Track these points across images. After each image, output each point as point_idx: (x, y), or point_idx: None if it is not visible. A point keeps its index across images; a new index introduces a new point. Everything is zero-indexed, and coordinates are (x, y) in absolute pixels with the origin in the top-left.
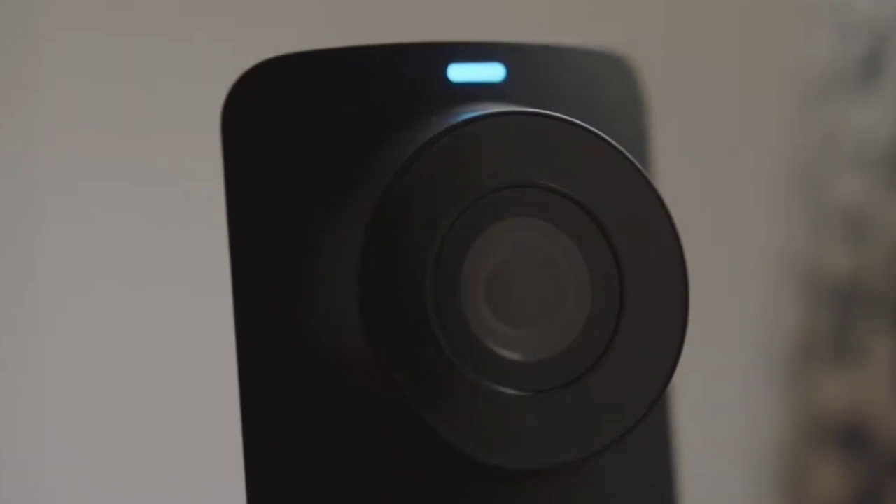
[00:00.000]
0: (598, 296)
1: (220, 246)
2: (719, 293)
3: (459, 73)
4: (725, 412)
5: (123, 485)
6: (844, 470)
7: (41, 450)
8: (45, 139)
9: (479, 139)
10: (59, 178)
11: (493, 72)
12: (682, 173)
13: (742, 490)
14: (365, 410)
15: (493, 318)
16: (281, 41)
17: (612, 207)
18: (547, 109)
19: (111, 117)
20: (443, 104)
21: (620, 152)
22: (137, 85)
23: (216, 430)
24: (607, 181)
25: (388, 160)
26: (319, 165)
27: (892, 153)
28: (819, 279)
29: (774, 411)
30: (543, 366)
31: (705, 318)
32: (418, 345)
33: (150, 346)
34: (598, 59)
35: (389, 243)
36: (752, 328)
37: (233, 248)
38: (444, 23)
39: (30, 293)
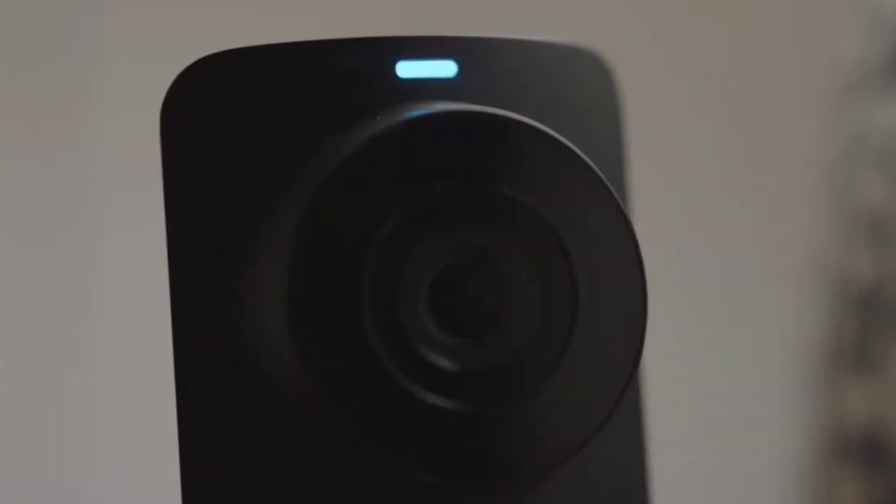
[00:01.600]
0: (549, 305)
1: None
2: (745, 300)
3: (408, 69)
4: (750, 422)
5: None
6: (863, 485)
7: None
8: None
9: (419, 139)
10: None
11: (443, 68)
12: (710, 178)
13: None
14: (301, 424)
15: (435, 327)
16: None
17: (566, 212)
18: (503, 108)
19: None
20: (390, 102)
21: (575, 154)
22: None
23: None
24: (561, 184)
25: (326, 162)
26: (263, 168)
27: None
28: (844, 286)
29: (799, 422)
30: (488, 378)
31: (732, 324)
32: (351, 354)
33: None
34: (567, 55)
35: (322, 250)
36: (779, 336)
37: (171, 254)
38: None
39: None
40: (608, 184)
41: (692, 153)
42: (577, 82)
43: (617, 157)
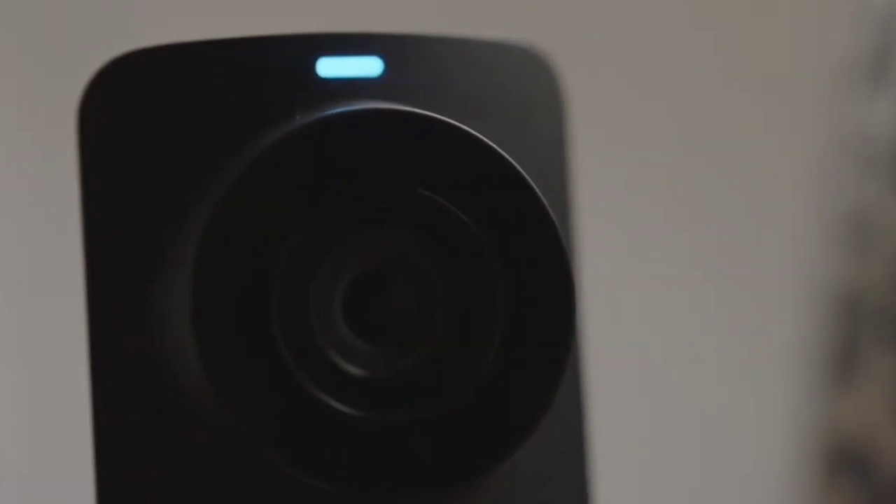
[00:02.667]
0: (470, 311)
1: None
2: (733, 305)
3: (330, 67)
4: (738, 429)
5: None
6: (852, 492)
7: None
8: None
9: (334, 139)
10: None
11: (368, 66)
12: (696, 180)
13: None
14: (209, 434)
15: (347, 332)
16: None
17: (489, 215)
18: (431, 108)
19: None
20: (309, 102)
21: (499, 154)
22: None
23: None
24: (485, 186)
25: (237, 163)
26: (177, 168)
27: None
28: (833, 291)
29: (789, 429)
30: (402, 386)
31: (720, 330)
32: (255, 358)
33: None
34: (504, 53)
35: (230, 252)
36: (767, 342)
37: (87, 259)
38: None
39: None
40: (533, 185)
41: (679, 155)
42: (515, 81)
43: (559, 156)
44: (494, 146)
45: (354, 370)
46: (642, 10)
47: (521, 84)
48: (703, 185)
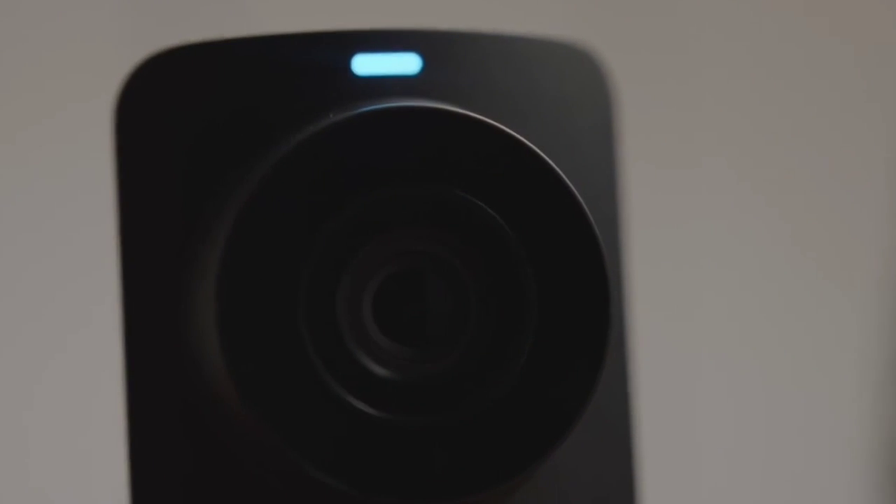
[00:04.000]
0: (503, 311)
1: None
2: (819, 306)
3: (366, 64)
4: (824, 429)
5: None
6: None
7: None
8: None
9: (369, 136)
10: None
11: (405, 63)
12: (779, 181)
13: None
14: (238, 435)
15: (377, 333)
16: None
17: (527, 218)
18: (470, 107)
19: None
20: (345, 100)
21: (537, 155)
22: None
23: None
24: (522, 187)
25: (268, 162)
26: (214, 165)
27: None
28: None
29: (874, 430)
30: (430, 389)
31: (804, 331)
32: (281, 357)
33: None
34: (550, 50)
35: (259, 249)
36: (854, 343)
37: (121, 256)
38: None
39: None
40: (570, 185)
41: (767, 156)
42: (560, 79)
43: (606, 156)
44: (531, 145)
45: (383, 372)
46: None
47: (567, 82)
48: (787, 179)
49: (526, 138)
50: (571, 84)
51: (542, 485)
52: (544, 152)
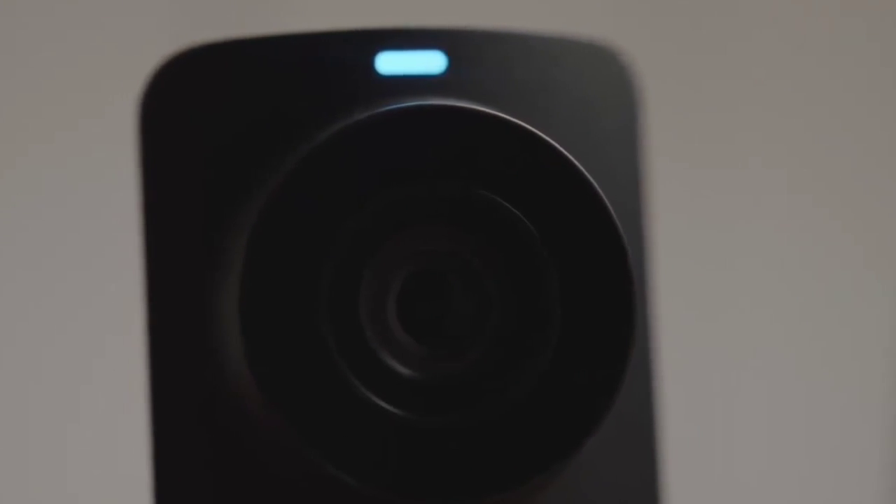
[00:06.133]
0: (526, 310)
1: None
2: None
3: (390, 63)
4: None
5: None
6: None
7: None
8: None
9: (393, 135)
10: None
11: (430, 62)
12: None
13: None
14: (258, 437)
15: (400, 331)
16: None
17: (550, 217)
18: (495, 106)
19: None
20: (370, 97)
21: (562, 154)
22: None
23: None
24: (546, 186)
25: (290, 161)
26: (238, 164)
27: None
28: None
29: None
30: (454, 388)
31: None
32: (302, 355)
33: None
34: (575, 49)
35: (282, 248)
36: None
37: (145, 255)
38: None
39: None
40: (594, 184)
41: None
42: (585, 78)
43: (630, 156)
44: (556, 145)
45: (406, 371)
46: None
47: (592, 82)
48: (813, 184)
49: (550, 138)
50: (596, 84)
51: (565, 486)
52: (568, 152)
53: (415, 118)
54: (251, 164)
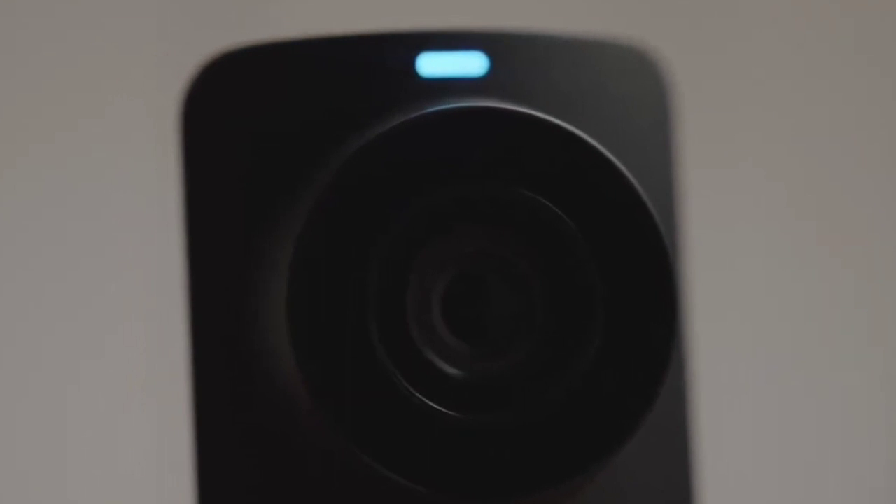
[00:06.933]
0: (569, 311)
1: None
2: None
3: (432, 64)
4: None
5: None
6: None
7: None
8: None
9: (438, 136)
10: None
11: (472, 64)
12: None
13: None
14: (303, 432)
15: (446, 332)
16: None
17: (593, 218)
18: (535, 107)
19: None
20: (412, 99)
21: (606, 157)
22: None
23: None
24: (587, 187)
25: (336, 162)
26: (281, 166)
27: None
28: None
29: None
30: (499, 388)
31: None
32: (350, 356)
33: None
34: (610, 51)
35: (329, 249)
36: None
37: (188, 254)
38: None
39: None
40: (637, 186)
41: (799, 155)
42: (620, 80)
43: (664, 157)
44: (600, 148)
45: (451, 370)
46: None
47: (627, 83)
48: (823, 183)
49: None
50: (631, 85)
51: (602, 486)
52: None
53: (458, 119)
54: (294, 166)
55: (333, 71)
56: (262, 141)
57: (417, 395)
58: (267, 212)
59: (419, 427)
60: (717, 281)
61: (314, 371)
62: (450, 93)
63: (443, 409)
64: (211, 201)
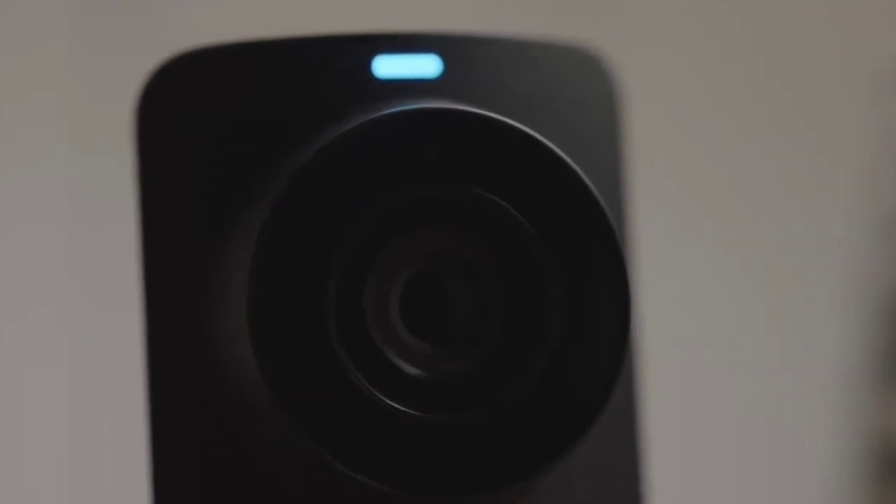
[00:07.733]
0: (526, 311)
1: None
2: (784, 312)
3: (388, 66)
4: (793, 434)
5: None
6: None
7: None
8: None
9: (392, 138)
10: None
11: (426, 66)
12: (754, 181)
13: None
14: (262, 433)
15: (405, 332)
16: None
17: (548, 217)
18: (488, 108)
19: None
20: (366, 101)
21: (559, 156)
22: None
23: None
24: (543, 187)
25: (293, 162)
26: (235, 169)
27: None
28: (881, 292)
29: (843, 435)
30: (458, 386)
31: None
32: (310, 356)
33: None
34: (561, 53)
35: (287, 251)
36: (820, 348)
37: (143, 258)
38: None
39: None
40: (591, 186)
41: (728, 157)
42: (570, 81)
43: (614, 158)
44: (554, 147)
45: (410, 369)
46: (693, 13)
47: (576, 85)
48: (753, 187)
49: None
50: (580, 86)
51: (556, 487)
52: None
53: (415, 121)
54: (249, 168)
55: (290, 72)
56: (217, 144)
57: (378, 394)
58: (224, 214)
59: (380, 426)
60: (664, 280)
61: (275, 372)
62: (405, 94)
63: (403, 409)
64: (165, 204)
